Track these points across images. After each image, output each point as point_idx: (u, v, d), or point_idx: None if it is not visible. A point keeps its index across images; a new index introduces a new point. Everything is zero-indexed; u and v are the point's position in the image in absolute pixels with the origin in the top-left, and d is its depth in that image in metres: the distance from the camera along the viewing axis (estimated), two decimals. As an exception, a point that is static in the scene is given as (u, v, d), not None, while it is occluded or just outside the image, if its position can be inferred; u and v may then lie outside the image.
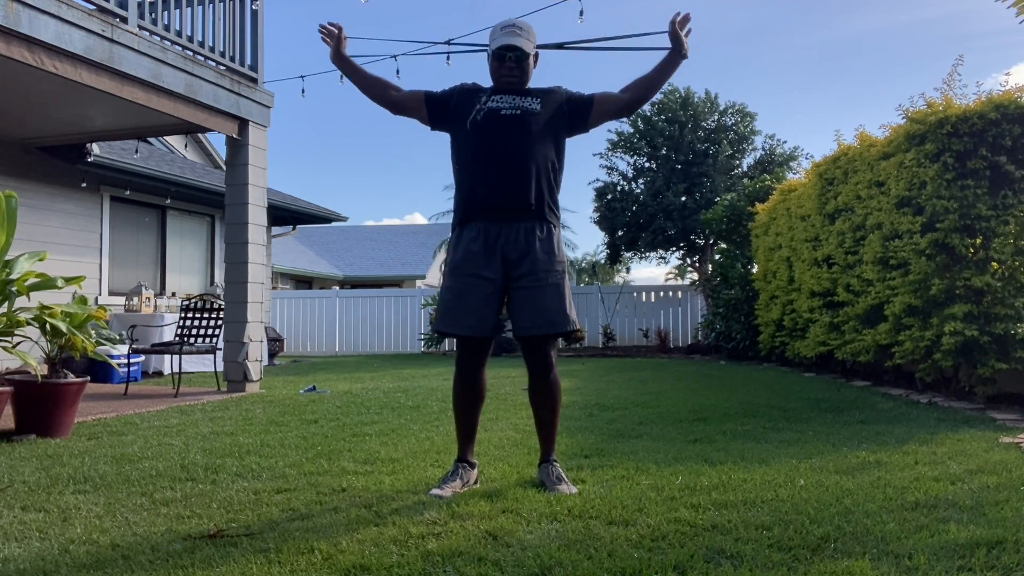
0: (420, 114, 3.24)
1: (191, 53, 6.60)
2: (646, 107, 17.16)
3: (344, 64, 3.24)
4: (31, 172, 8.57)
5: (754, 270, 11.10)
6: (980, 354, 5.33)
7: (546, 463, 3.14)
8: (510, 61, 3.08)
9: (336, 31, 3.21)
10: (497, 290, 3.04)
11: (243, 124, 7.21)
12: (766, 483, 3.04)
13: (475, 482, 3.11)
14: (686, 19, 3.05)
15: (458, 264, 3.07)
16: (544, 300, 3.01)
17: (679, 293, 14.67)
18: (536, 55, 3.18)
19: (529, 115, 3.08)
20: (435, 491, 2.93)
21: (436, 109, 3.20)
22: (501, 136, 3.06)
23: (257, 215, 7.27)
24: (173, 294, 10.54)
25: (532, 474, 3.28)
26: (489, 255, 3.02)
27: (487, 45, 3.17)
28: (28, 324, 4.50)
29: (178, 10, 6.60)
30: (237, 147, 7.24)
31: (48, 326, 4.51)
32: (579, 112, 3.17)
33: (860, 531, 2.38)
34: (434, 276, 25.93)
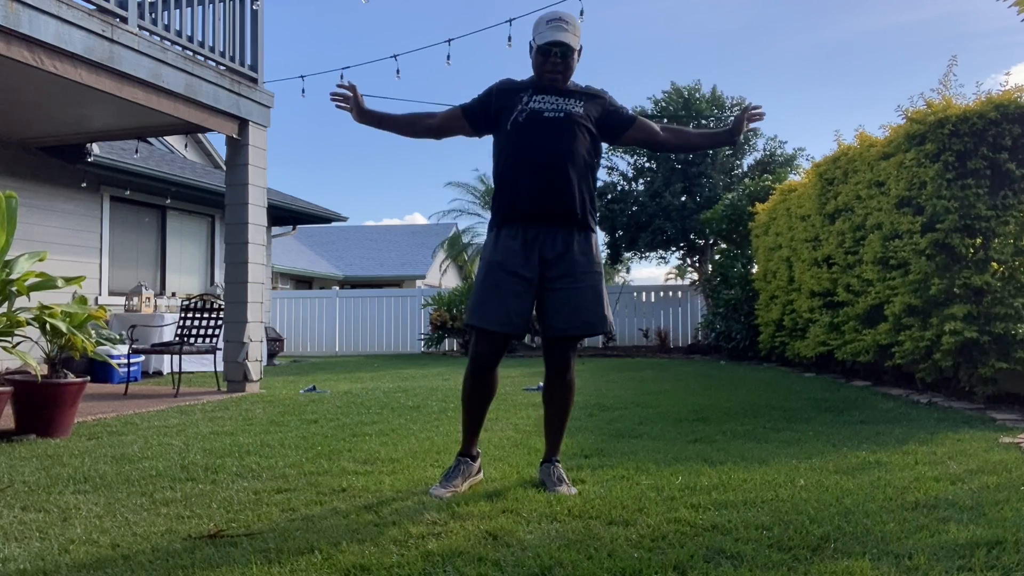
0: (463, 129, 3.21)
1: (191, 53, 6.61)
2: (648, 106, 17.16)
3: (372, 119, 3.18)
4: (31, 172, 8.57)
5: (754, 270, 11.10)
6: (980, 354, 5.33)
7: (548, 463, 3.14)
8: (555, 56, 3.00)
9: (350, 93, 3.14)
10: (530, 290, 3.00)
11: (243, 124, 7.21)
12: (766, 483, 3.04)
13: (478, 472, 3.12)
14: (759, 115, 3.14)
15: (496, 261, 3.03)
16: (582, 300, 2.99)
17: (679, 293, 14.68)
18: (580, 49, 3.09)
19: (573, 118, 3.03)
20: (435, 490, 2.92)
21: (478, 116, 3.16)
22: (544, 139, 3.01)
23: (257, 215, 7.27)
24: (173, 294, 10.54)
25: (532, 474, 3.28)
26: (527, 254, 3.00)
27: (531, 38, 3.08)
28: (28, 324, 4.50)
29: (178, 10, 6.60)
30: (237, 147, 7.24)
31: (48, 326, 4.51)
32: (616, 127, 3.16)
33: (860, 531, 2.38)
34: (434, 276, 25.95)
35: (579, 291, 2.99)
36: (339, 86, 3.15)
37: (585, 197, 3.06)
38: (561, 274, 3.00)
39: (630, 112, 3.20)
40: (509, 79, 3.18)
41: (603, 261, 3.31)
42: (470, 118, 3.17)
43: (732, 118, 3.08)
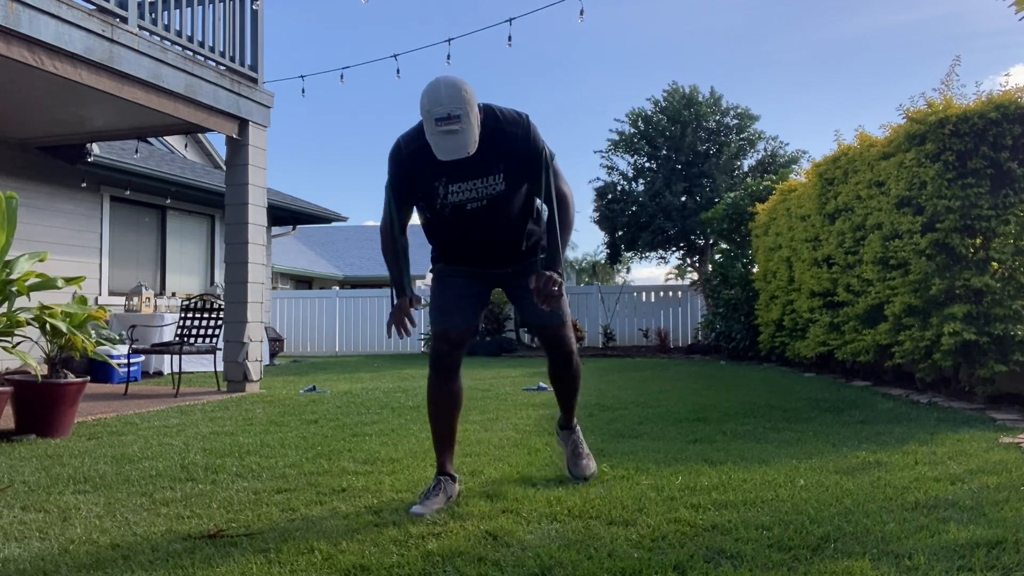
0: (411, 209, 3.02)
1: (191, 53, 6.60)
2: (648, 106, 17.16)
3: (408, 283, 3.03)
4: (31, 172, 8.57)
5: (754, 270, 11.10)
6: (979, 355, 5.33)
7: (567, 429, 3.24)
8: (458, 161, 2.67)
9: (411, 317, 2.92)
10: (479, 292, 3.01)
11: (243, 124, 7.21)
12: (766, 483, 3.04)
13: (459, 495, 2.88)
14: (550, 296, 2.70)
15: (443, 274, 3.07)
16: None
17: (679, 293, 14.67)
18: (478, 109, 2.67)
19: (495, 199, 2.78)
20: (416, 509, 2.68)
21: (409, 200, 2.92)
22: (473, 226, 2.85)
23: (257, 215, 7.27)
24: (173, 294, 10.54)
25: (532, 474, 3.29)
26: (475, 275, 3.03)
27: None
28: (28, 324, 4.50)
29: (178, 10, 6.60)
30: (237, 147, 7.24)
31: (48, 326, 4.51)
32: (527, 179, 2.84)
33: (860, 531, 2.38)
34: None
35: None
36: (401, 324, 2.89)
37: (527, 244, 2.94)
38: (516, 273, 2.99)
39: (537, 168, 2.79)
40: (412, 140, 2.77)
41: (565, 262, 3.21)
42: (411, 202, 2.94)
43: (541, 259, 2.80)
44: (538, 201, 2.88)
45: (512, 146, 2.74)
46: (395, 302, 2.92)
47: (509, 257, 2.99)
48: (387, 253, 3.00)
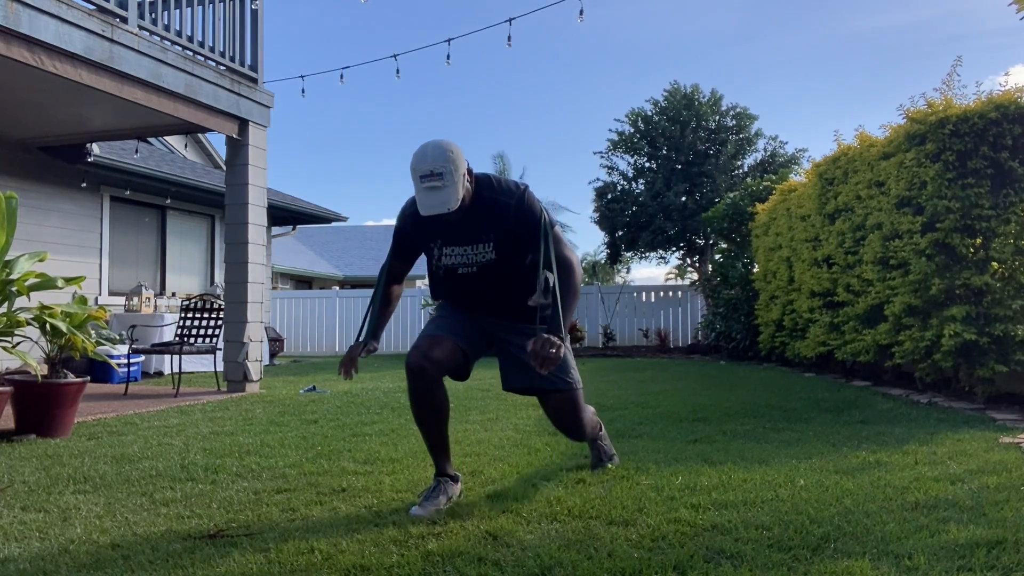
0: (409, 268, 3.10)
1: (191, 53, 6.61)
2: (648, 107, 17.14)
3: (381, 331, 3.06)
4: (31, 172, 8.57)
5: (754, 270, 11.10)
6: (979, 355, 5.33)
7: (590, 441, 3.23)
8: (440, 218, 2.73)
9: (355, 364, 2.92)
10: (481, 326, 2.98)
11: (243, 124, 7.21)
12: (766, 483, 3.04)
13: (460, 495, 2.89)
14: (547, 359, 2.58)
15: (445, 304, 3.07)
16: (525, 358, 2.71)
17: (679, 293, 14.67)
18: (468, 173, 2.75)
19: (485, 267, 2.85)
20: (415, 510, 2.67)
21: (415, 254, 3.02)
22: (466, 288, 2.94)
23: (257, 215, 7.27)
24: (173, 294, 10.54)
25: (532, 474, 3.29)
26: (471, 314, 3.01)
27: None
28: (28, 324, 4.50)
29: (178, 10, 6.60)
30: (237, 147, 7.24)
31: (48, 326, 4.51)
32: (524, 247, 2.85)
33: (860, 531, 2.38)
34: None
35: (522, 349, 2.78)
36: (346, 371, 2.90)
37: (521, 305, 2.85)
38: (509, 335, 2.96)
39: (535, 236, 2.80)
40: (412, 210, 2.88)
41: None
42: (409, 259, 3.04)
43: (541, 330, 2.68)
44: (546, 273, 2.78)
45: (504, 215, 2.79)
46: (356, 342, 2.94)
47: (503, 316, 2.97)
48: (374, 295, 3.10)
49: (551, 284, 2.74)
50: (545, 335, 2.59)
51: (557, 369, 2.79)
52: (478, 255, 2.84)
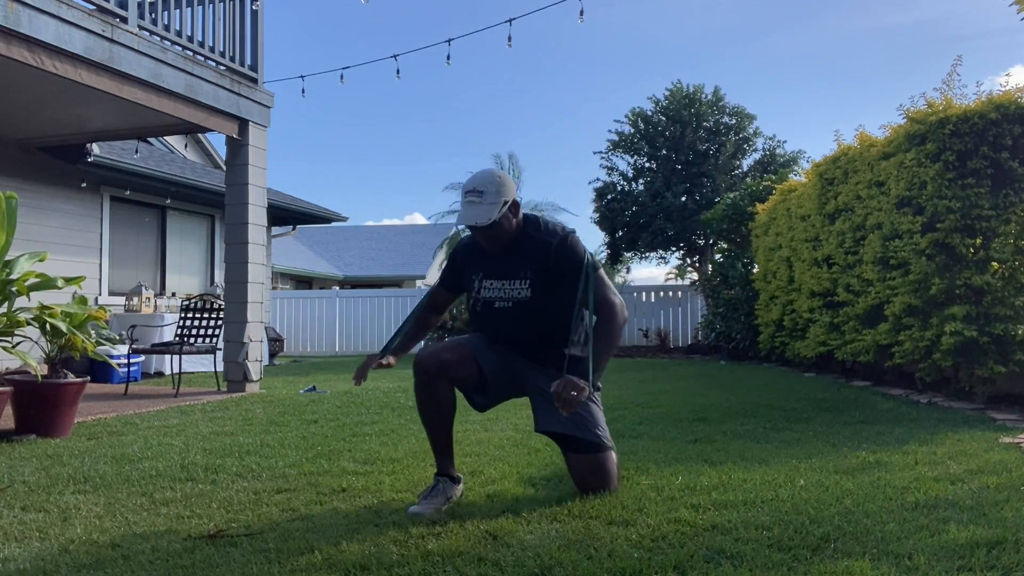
0: (454, 298, 3.22)
1: (191, 53, 6.61)
2: (648, 106, 17.14)
3: (405, 352, 3.08)
4: (31, 172, 8.57)
5: (754, 270, 11.10)
6: (979, 355, 5.33)
7: None
8: (480, 231, 2.88)
9: (365, 373, 2.99)
10: (510, 363, 2.98)
11: (243, 124, 7.21)
12: (766, 483, 3.04)
13: (460, 496, 2.90)
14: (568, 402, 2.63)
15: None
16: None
17: (679, 293, 14.67)
18: (514, 205, 2.87)
19: (521, 304, 2.90)
20: (414, 509, 2.68)
21: (460, 286, 3.12)
22: (502, 324, 2.96)
23: (257, 215, 7.27)
24: (173, 294, 10.54)
25: (532, 474, 3.29)
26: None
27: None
28: (28, 324, 4.50)
29: (178, 10, 6.61)
30: (237, 147, 7.24)
31: (48, 326, 4.51)
32: (561, 281, 2.89)
33: (860, 531, 2.38)
34: (434, 276, 25.93)
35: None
36: (361, 377, 2.99)
37: (556, 348, 2.88)
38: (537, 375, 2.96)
39: (574, 278, 2.86)
40: (468, 240, 3.09)
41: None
42: (454, 289, 3.17)
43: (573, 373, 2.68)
44: (585, 318, 2.85)
45: (544, 254, 2.87)
46: (367, 358, 3.00)
47: (536, 360, 2.98)
48: (410, 315, 3.22)
49: (586, 325, 2.81)
50: (570, 377, 2.63)
51: (585, 421, 2.83)
52: (514, 291, 2.91)
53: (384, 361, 2.95)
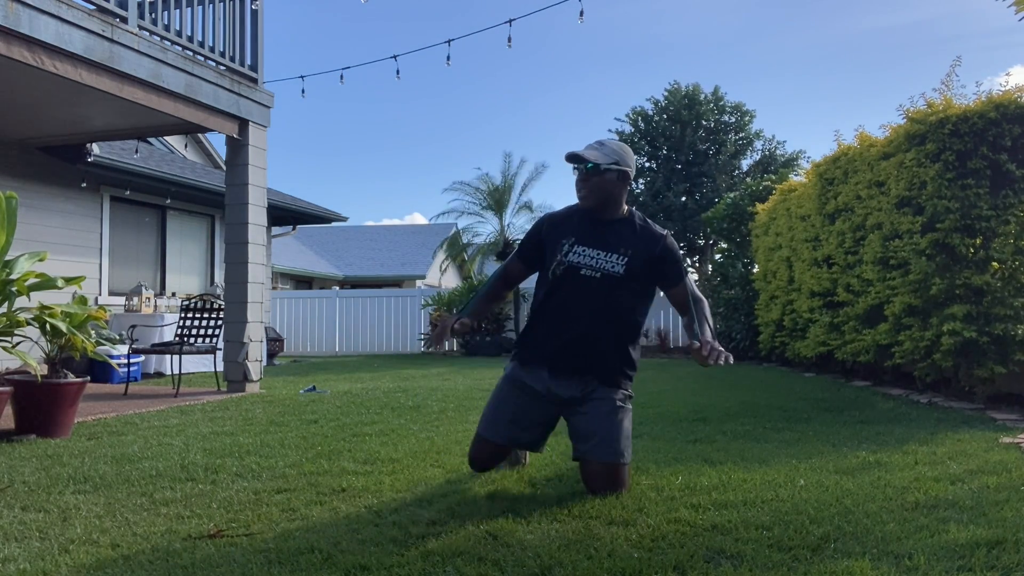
0: (527, 273, 3.22)
1: (191, 53, 6.61)
2: (648, 106, 17.16)
3: (477, 321, 3.13)
4: (31, 172, 8.57)
5: (754, 270, 11.10)
6: (979, 355, 5.33)
7: None
8: (580, 173, 2.94)
9: (446, 334, 3.02)
10: (543, 416, 3.01)
11: (243, 124, 7.21)
12: (766, 483, 3.04)
13: (524, 464, 3.25)
14: (712, 355, 2.73)
15: (510, 373, 3.09)
16: (594, 425, 2.91)
17: (679, 293, 14.65)
18: (625, 175, 2.97)
19: (609, 279, 2.91)
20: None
21: (534, 257, 3.12)
22: (577, 298, 2.93)
23: (257, 215, 7.27)
24: (173, 294, 10.54)
25: (532, 473, 3.29)
26: (546, 385, 3.02)
27: None
28: (28, 324, 4.50)
29: (178, 10, 6.60)
30: (237, 147, 7.24)
31: (48, 326, 4.51)
32: (664, 282, 3.03)
33: (860, 531, 2.38)
34: (434, 276, 25.94)
35: (593, 416, 2.93)
36: (457, 326, 2.99)
37: (615, 361, 2.98)
38: (583, 399, 2.99)
39: (677, 273, 3.01)
40: (560, 212, 3.15)
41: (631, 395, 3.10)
42: (529, 262, 3.16)
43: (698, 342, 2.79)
44: (643, 327, 3.09)
45: (652, 243, 2.97)
46: (445, 318, 3.10)
47: (586, 359, 2.96)
48: (482, 287, 3.29)
49: (698, 309, 2.94)
50: (708, 340, 2.76)
51: (614, 441, 2.90)
52: (608, 263, 2.93)
53: (458, 325, 2.99)
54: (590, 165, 2.90)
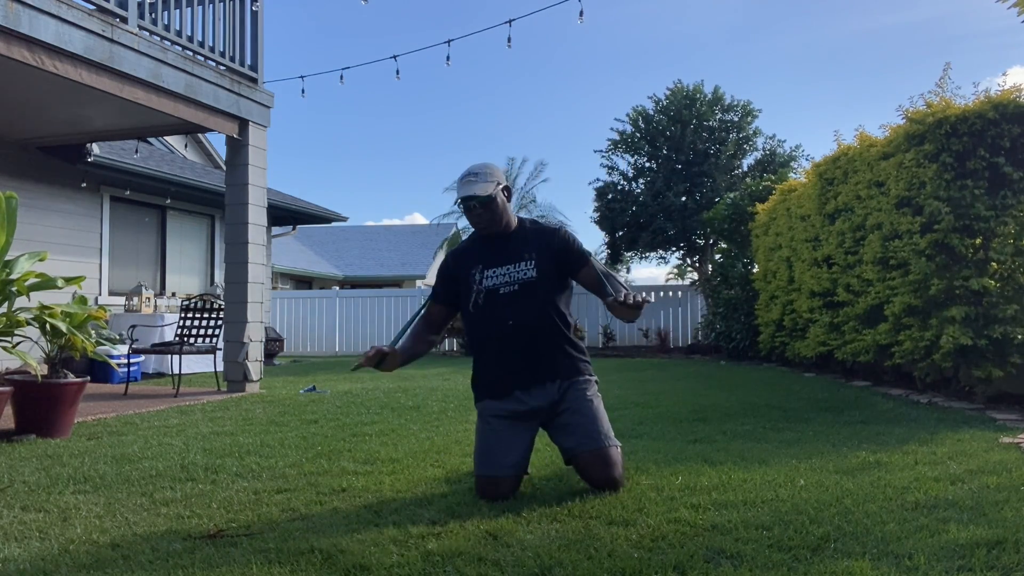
0: (451, 313, 3.27)
1: (191, 53, 6.61)
2: (648, 106, 17.13)
3: (403, 361, 3.10)
4: (31, 172, 8.57)
5: (754, 270, 11.10)
6: (977, 357, 5.33)
7: None
8: (476, 209, 3.04)
9: (375, 358, 2.97)
10: (525, 435, 3.03)
11: (243, 124, 7.21)
12: (766, 483, 3.04)
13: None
14: (636, 304, 2.80)
15: (484, 407, 3.09)
16: (579, 420, 3.01)
17: (679, 293, 14.67)
18: (506, 189, 3.12)
19: (527, 286, 3.02)
20: None
21: (451, 296, 3.20)
22: (507, 315, 3.01)
23: (257, 215, 7.27)
24: (173, 294, 10.54)
25: (532, 474, 3.29)
26: (519, 404, 3.04)
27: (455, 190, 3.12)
28: (28, 324, 4.50)
29: (178, 10, 6.61)
30: (237, 147, 7.24)
31: (48, 326, 4.51)
32: (571, 269, 3.11)
33: (860, 531, 2.38)
34: (434, 276, 25.95)
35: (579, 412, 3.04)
36: (366, 362, 2.96)
37: (560, 358, 3.06)
38: (560, 416, 3.05)
39: (580, 255, 3.10)
40: (458, 246, 3.27)
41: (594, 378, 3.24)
42: (447, 303, 3.23)
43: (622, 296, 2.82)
44: (572, 317, 3.17)
45: (548, 239, 3.11)
46: (384, 346, 3.04)
47: (542, 362, 3.02)
48: (407, 328, 3.29)
49: (611, 280, 3.02)
50: (624, 291, 2.86)
51: (594, 432, 3.00)
52: (519, 272, 3.05)
53: (387, 349, 3.02)
54: (484, 199, 3.00)
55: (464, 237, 22.64)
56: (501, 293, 3.03)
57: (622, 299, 2.79)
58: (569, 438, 3.01)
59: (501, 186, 3.07)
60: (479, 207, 3.03)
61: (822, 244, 7.72)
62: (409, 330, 3.26)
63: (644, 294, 2.81)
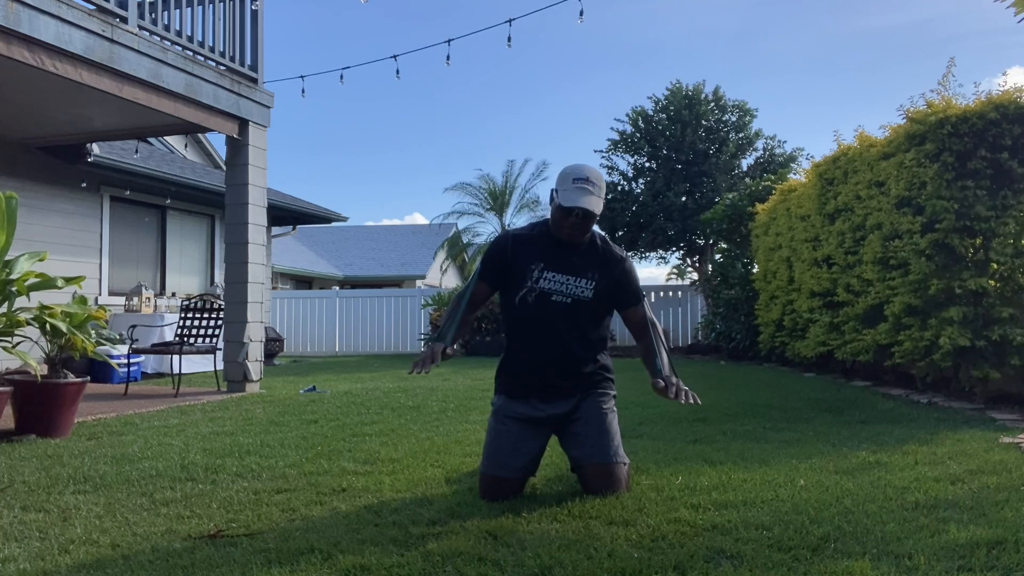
0: (490, 294, 3.17)
1: (191, 53, 6.61)
2: (648, 106, 17.13)
3: (461, 338, 3.06)
4: (31, 172, 8.57)
5: (754, 270, 11.10)
6: (976, 358, 5.33)
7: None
8: (579, 219, 2.91)
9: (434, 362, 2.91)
10: (537, 441, 3.01)
11: (243, 124, 7.21)
12: (766, 483, 3.04)
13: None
14: (677, 393, 2.83)
15: (503, 412, 3.05)
16: (590, 432, 2.96)
17: (679, 293, 14.68)
18: (594, 232, 3.08)
19: (580, 303, 2.97)
20: None
21: (499, 277, 3.07)
22: (551, 324, 2.97)
23: (257, 215, 7.27)
24: (173, 294, 10.54)
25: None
26: (536, 410, 3.02)
27: (554, 188, 2.97)
28: (28, 324, 4.50)
29: (178, 10, 6.60)
30: (237, 147, 7.24)
31: (48, 326, 4.51)
32: (618, 303, 3.07)
33: (860, 531, 2.38)
34: (434, 276, 25.94)
35: (589, 423, 2.99)
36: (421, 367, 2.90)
37: (594, 370, 3.04)
38: (576, 418, 3.02)
39: (635, 296, 3.07)
40: (521, 232, 3.13)
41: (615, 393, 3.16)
42: (492, 285, 3.10)
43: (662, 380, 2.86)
44: (609, 331, 3.15)
45: (614, 266, 3.04)
46: (432, 346, 2.97)
47: (572, 380, 3.01)
48: (451, 310, 3.12)
49: (655, 334, 3.01)
50: (673, 378, 2.87)
51: (606, 446, 2.93)
52: (578, 288, 2.98)
53: (449, 351, 2.96)
54: (593, 215, 2.91)
55: (464, 237, 22.63)
56: (553, 300, 2.97)
57: (672, 395, 2.81)
58: (578, 448, 2.98)
59: (592, 231, 3.04)
60: (583, 219, 2.91)
61: (822, 244, 7.72)
62: (456, 319, 3.10)
63: (695, 397, 2.86)
